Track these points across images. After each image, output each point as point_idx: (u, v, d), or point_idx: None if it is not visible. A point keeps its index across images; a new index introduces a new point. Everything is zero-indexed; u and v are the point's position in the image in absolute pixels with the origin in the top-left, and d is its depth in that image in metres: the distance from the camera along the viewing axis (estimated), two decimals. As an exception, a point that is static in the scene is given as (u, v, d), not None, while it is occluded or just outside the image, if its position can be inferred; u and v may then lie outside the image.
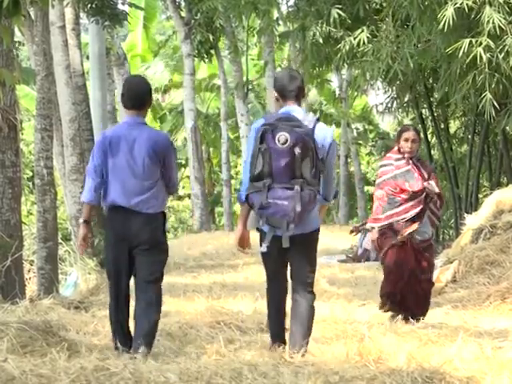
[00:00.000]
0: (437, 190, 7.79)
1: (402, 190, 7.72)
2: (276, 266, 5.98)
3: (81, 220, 6.38)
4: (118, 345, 5.97)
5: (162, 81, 33.70)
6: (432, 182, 7.76)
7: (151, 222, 6.17)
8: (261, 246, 5.86)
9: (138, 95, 6.23)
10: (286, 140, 5.70)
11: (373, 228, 7.88)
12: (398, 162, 7.84)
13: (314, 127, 5.83)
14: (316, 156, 5.77)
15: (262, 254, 5.90)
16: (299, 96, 6.00)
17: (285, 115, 5.86)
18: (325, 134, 5.92)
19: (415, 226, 7.68)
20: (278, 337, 5.98)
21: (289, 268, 6.05)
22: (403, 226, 7.70)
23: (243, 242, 6.03)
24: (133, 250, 6.16)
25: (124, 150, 6.15)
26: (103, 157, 6.20)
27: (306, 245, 5.94)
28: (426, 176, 7.81)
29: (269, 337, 6.09)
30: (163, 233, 6.29)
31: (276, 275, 6.00)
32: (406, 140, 7.77)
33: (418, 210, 7.70)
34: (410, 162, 7.78)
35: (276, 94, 6.03)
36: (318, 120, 5.92)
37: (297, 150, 5.72)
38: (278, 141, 5.72)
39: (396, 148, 7.87)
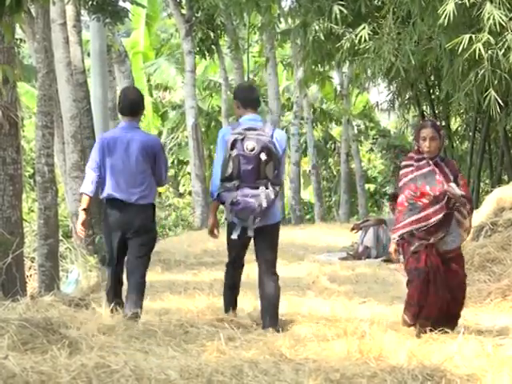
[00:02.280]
0: (459, 192, 6.82)
1: (423, 194, 6.87)
2: (239, 252, 7.15)
3: (80, 208, 7.38)
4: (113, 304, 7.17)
5: (163, 78, 33.72)
6: (453, 185, 6.85)
7: (142, 212, 7.21)
8: (231, 234, 7.02)
9: (133, 104, 7.26)
10: (254, 148, 6.82)
11: (393, 239, 7.03)
12: (418, 162, 6.96)
13: (273, 133, 6.96)
14: (278, 160, 6.89)
15: (231, 240, 7.05)
16: (257, 105, 7.16)
17: (250, 125, 6.94)
18: (281, 137, 7.05)
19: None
20: (230, 307, 7.22)
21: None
22: (425, 235, 6.83)
23: (213, 230, 7.24)
24: (126, 236, 7.19)
25: (120, 149, 7.16)
26: (101, 156, 7.21)
27: (270, 234, 7.03)
28: (451, 177, 6.93)
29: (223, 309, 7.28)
30: (153, 221, 7.35)
31: (238, 259, 7.20)
32: (424, 139, 6.89)
33: (440, 216, 6.80)
34: (432, 162, 6.92)
35: (238, 103, 7.13)
36: (274, 128, 7.10)
37: (262, 156, 6.83)
38: (247, 148, 6.83)
39: (416, 147, 7.03)
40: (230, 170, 6.87)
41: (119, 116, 7.71)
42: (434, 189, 6.84)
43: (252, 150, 6.82)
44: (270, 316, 7.00)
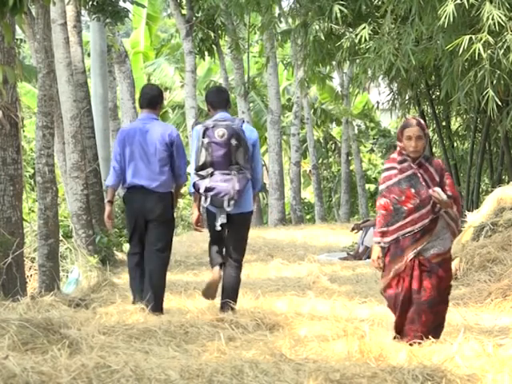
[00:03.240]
0: (444, 196, 6.37)
1: (408, 198, 6.46)
2: (219, 236, 7.54)
3: (106, 200, 8.09)
4: (136, 298, 7.63)
5: (163, 78, 33.74)
6: (437, 189, 6.40)
7: (163, 199, 7.64)
8: (211, 222, 7.47)
9: (151, 97, 7.75)
10: (224, 134, 7.28)
11: (378, 243, 6.53)
12: (402, 164, 6.54)
13: (242, 126, 7.41)
14: (247, 146, 7.34)
15: (213, 229, 7.47)
16: (226, 106, 7.63)
17: (220, 117, 7.47)
18: (250, 132, 7.53)
19: (415, 250, 6.43)
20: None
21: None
22: (411, 241, 6.43)
23: (197, 223, 7.68)
24: (147, 221, 7.67)
25: (139, 139, 7.61)
26: (121, 148, 7.69)
27: (242, 223, 7.52)
28: (437, 178, 6.51)
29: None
30: (171, 209, 7.77)
31: (218, 242, 7.58)
32: (409, 138, 6.44)
33: (426, 221, 6.44)
34: (415, 163, 6.51)
35: (208, 106, 7.64)
36: (243, 122, 7.53)
37: (233, 141, 7.28)
38: (218, 135, 7.28)
39: (399, 148, 6.58)
40: (203, 159, 7.35)
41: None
42: (420, 192, 6.46)
43: (222, 136, 7.29)
44: (227, 297, 7.61)
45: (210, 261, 7.74)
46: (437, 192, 6.39)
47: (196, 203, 7.65)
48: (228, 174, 7.32)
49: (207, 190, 7.36)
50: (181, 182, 7.81)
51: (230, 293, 7.63)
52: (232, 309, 7.49)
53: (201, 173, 7.40)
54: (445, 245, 6.52)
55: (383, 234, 6.52)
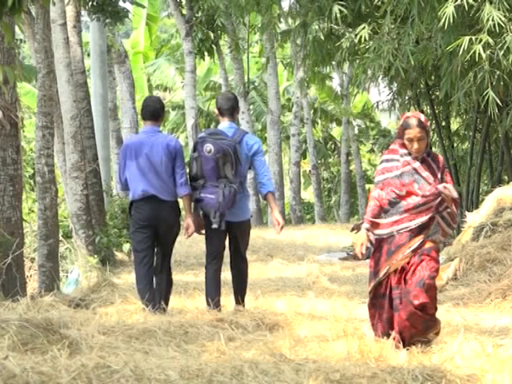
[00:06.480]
0: (455, 194, 6.18)
1: (410, 193, 6.21)
2: (219, 243, 7.92)
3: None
4: (148, 306, 7.62)
5: (163, 78, 33.75)
6: (449, 186, 6.19)
7: (173, 208, 7.90)
8: (210, 225, 7.74)
9: (154, 109, 8.01)
10: (211, 150, 7.67)
11: (367, 230, 6.23)
12: (404, 157, 6.28)
13: (242, 139, 7.81)
14: (235, 161, 7.68)
15: (209, 232, 7.84)
16: (233, 113, 7.98)
17: (214, 130, 7.92)
18: (253, 141, 7.91)
19: (408, 250, 6.15)
20: (214, 302, 7.69)
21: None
22: (407, 237, 6.18)
23: (200, 228, 7.99)
24: (157, 231, 7.85)
25: (146, 152, 7.86)
26: (124, 161, 7.96)
27: (240, 230, 7.91)
28: (438, 174, 6.28)
29: (206, 303, 7.80)
30: (179, 218, 8.04)
31: (218, 251, 7.94)
32: (411, 140, 6.22)
33: (425, 218, 6.19)
34: (419, 158, 6.27)
35: (217, 111, 7.99)
36: (246, 133, 7.96)
37: (219, 157, 7.65)
38: (205, 150, 7.68)
39: (401, 142, 6.32)
40: (194, 171, 7.79)
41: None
42: (423, 187, 6.21)
43: (209, 152, 7.67)
44: (243, 293, 8.00)
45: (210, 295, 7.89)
46: (448, 189, 6.17)
47: (188, 207, 7.95)
48: (216, 187, 7.69)
49: (197, 200, 7.82)
50: (181, 192, 7.89)
51: (242, 284, 8.05)
52: (242, 301, 7.90)
53: (193, 184, 7.83)
54: (434, 237, 6.29)
55: (375, 225, 6.24)
